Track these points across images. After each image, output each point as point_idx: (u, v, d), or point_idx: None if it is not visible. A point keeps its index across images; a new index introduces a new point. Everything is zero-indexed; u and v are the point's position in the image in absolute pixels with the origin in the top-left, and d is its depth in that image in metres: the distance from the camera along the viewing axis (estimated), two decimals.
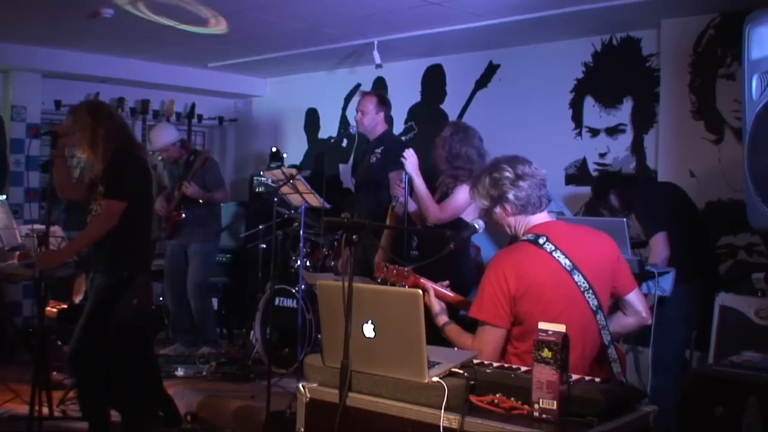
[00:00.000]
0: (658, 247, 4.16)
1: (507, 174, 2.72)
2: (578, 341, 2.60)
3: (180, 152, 6.06)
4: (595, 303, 2.64)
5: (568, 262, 2.63)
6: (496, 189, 2.74)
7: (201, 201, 5.89)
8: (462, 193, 3.99)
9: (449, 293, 3.00)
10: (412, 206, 4.22)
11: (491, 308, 2.62)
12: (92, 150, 3.83)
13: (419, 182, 4.11)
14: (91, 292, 3.91)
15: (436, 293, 2.94)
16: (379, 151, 4.96)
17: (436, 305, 2.88)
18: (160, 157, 6.17)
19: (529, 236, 2.70)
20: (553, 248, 2.64)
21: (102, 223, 3.78)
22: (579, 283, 2.63)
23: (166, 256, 6.18)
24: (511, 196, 2.71)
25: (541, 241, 2.66)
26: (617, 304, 2.88)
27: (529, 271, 2.61)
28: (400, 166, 4.16)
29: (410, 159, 4.12)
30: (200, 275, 6.06)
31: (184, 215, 5.94)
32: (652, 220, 4.24)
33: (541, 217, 2.77)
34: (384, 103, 5.08)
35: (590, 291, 2.64)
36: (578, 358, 2.60)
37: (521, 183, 2.71)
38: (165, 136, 6.01)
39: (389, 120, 5.20)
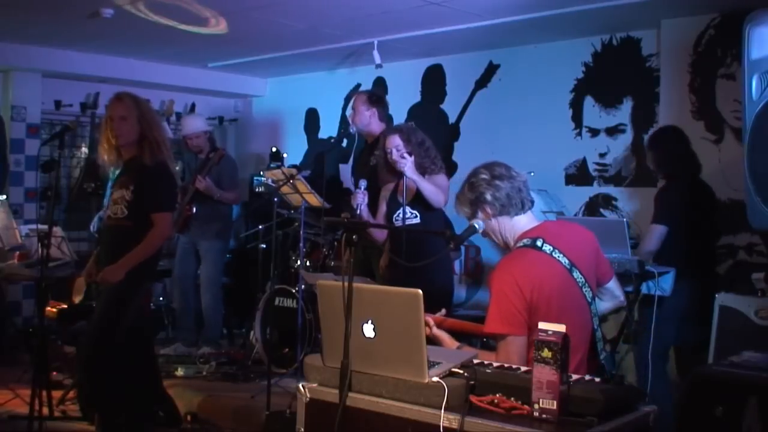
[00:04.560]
0: (651, 238, 4.22)
1: (483, 176, 2.73)
2: (583, 342, 2.63)
3: (205, 144, 6.15)
4: (590, 295, 2.69)
5: (566, 261, 2.64)
6: (473, 191, 2.73)
7: (214, 198, 5.90)
8: (441, 178, 4.34)
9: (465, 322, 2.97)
10: (366, 212, 4.34)
11: (510, 318, 2.55)
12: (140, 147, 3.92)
13: (421, 182, 4.16)
14: (102, 297, 3.93)
15: (445, 324, 2.87)
16: (378, 153, 4.95)
17: (443, 335, 2.80)
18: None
19: (526, 241, 2.68)
20: (552, 248, 2.64)
21: (160, 237, 3.91)
22: (578, 280, 2.65)
23: (176, 254, 6.20)
24: (488, 196, 2.71)
25: (539, 243, 2.65)
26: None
27: (539, 279, 2.57)
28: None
29: (409, 161, 4.14)
30: (213, 272, 6.10)
31: (194, 210, 5.94)
32: (662, 210, 4.25)
33: (529, 220, 2.76)
34: (375, 101, 5.03)
35: (586, 285, 2.67)
36: (582, 358, 2.62)
37: (498, 183, 2.71)
38: (197, 122, 6.22)
39: (386, 119, 5.17)
